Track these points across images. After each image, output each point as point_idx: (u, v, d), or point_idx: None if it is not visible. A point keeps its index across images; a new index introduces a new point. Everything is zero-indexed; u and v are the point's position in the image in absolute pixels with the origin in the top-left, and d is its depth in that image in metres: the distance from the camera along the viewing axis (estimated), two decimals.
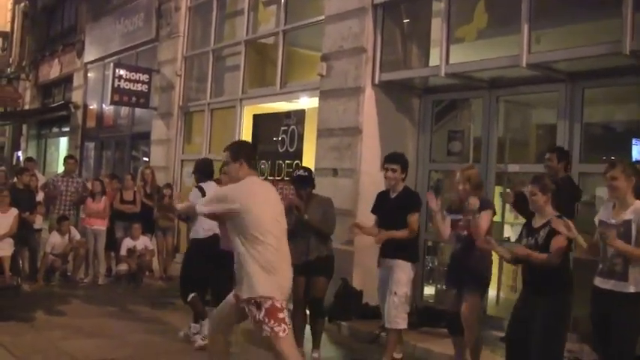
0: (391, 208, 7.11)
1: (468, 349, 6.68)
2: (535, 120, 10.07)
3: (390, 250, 7.05)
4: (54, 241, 11.60)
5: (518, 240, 6.05)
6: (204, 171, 8.22)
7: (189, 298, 7.75)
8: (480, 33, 8.97)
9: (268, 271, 5.04)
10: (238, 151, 5.44)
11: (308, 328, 7.50)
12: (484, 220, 6.46)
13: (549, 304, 5.61)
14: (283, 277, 5.18)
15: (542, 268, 5.61)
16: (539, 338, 5.57)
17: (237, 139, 12.59)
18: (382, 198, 7.34)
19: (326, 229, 7.29)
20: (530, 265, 5.78)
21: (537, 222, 5.82)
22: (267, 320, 4.99)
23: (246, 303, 5.08)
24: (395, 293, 6.91)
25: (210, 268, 7.60)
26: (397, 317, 6.93)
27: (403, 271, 6.96)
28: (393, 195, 7.16)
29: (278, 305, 5.05)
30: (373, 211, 7.43)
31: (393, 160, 7.17)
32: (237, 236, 5.13)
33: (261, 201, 5.20)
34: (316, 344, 7.39)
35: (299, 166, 7.67)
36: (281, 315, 5.05)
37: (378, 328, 8.43)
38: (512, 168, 8.93)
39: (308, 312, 7.46)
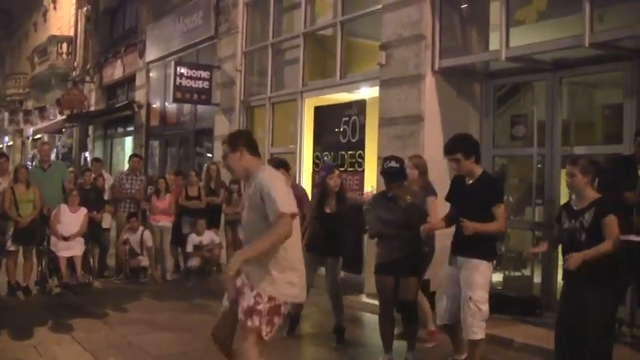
0: (468, 196, 6.31)
1: None
2: (600, 100, 9.86)
3: (464, 247, 6.23)
4: (126, 237, 11.86)
5: (558, 223, 5.90)
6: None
7: None
8: (540, 14, 8.81)
9: (285, 269, 4.77)
10: (235, 140, 5.02)
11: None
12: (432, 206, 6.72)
13: (601, 295, 5.46)
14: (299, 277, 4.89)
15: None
16: (596, 334, 5.46)
17: (299, 131, 12.68)
18: (457, 184, 6.51)
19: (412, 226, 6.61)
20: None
21: (577, 204, 5.67)
22: (263, 314, 4.69)
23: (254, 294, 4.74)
24: (470, 298, 6.10)
25: None
26: (473, 326, 6.11)
27: (479, 272, 6.12)
28: (469, 181, 6.35)
29: (282, 309, 4.83)
30: (447, 198, 6.67)
31: (449, 150, 6.39)
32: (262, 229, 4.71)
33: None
34: (410, 346, 6.90)
35: (389, 157, 7.01)
36: (277, 319, 4.79)
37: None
38: (579, 150, 8.74)
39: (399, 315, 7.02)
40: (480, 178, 6.30)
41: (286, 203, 4.59)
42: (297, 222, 4.78)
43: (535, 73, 9.34)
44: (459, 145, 6.34)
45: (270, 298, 4.70)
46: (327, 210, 7.93)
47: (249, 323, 4.68)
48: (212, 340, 5.10)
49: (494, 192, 6.28)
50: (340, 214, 7.94)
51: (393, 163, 6.85)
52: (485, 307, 6.15)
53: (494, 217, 6.12)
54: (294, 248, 4.82)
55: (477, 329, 6.12)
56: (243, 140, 5.02)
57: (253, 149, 5.01)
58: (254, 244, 4.64)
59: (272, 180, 4.78)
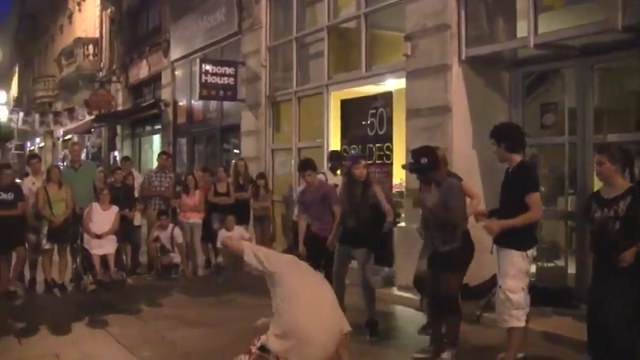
0: (506, 185, 6.44)
1: None
2: (633, 86, 9.70)
3: (499, 236, 6.25)
4: (156, 235, 11.94)
5: (586, 214, 5.83)
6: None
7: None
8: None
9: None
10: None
11: None
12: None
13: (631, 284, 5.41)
14: None
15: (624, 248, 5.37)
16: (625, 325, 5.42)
17: (325, 125, 12.66)
18: (505, 174, 6.57)
19: (449, 218, 6.63)
20: (608, 247, 5.53)
21: (607, 193, 5.60)
22: None
23: None
24: (500, 287, 6.23)
25: None
26: (503, 314, 6.22)
27: (510, 262, 6.19)
28: (510, 170, 6.46)
29: None
30: None
31: (491, 135, 6.57)
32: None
33: None
34: (448, 343, 6.80)
35: (413, 152, 7.05)
36: None
37: (478, 308, 8.36)
38: (611, 138, 8.60)
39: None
40: (516, 167, 6.33)
41: None
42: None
43: (564, 60, 9.20)
44: (494, 132, 6.53)
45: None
46: (355, 200, 7.91)
47: None
48: None
49: (528, 180, 6.26)
50: (366, 205, 7.90)
51: (411, 160, 6.98)
52: (516, 297, 6.15)
53: (528, 207, 6.10)
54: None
55: (507, 317, 6.17)
56: None
57: None
58: None
59: None
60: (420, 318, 8.17)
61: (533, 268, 9.59)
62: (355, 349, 7.44)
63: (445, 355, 6.69)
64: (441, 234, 6.67)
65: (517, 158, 6.36)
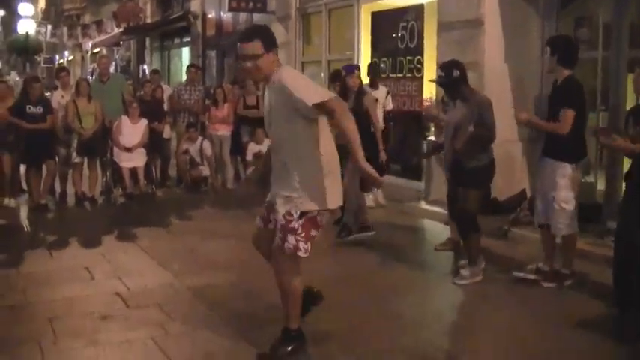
0: (550, 97, 6.48)
1: None
2: None
3: (547, 148, 6.43)
4: (185, 148, 12.00)
5: (625, 129, 5.75)
6: None
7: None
8: None
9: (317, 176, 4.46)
10: (270, 39, 4.54)
11: None
12: None
13: None
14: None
15: None
16: None
17: (356, 38, 12.50)
18: (552, 86, 6.56)
19: (483, 133, 6.55)
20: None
21: None
22: (298, 231, 4.44)
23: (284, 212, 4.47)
24: (553, 199, 6.33)
25: None
26: (559, 223, 6.38)
27: (559, 174, 6.28)
28: (557, 82, 6.43)
29: (318, 219, 4.53)
30: None
31: (546, 42, 6.69)
32: (301, 134, 4.42)
33: None
34: (469, 260, 6.73)
35: (443, 65, 6.91)
36: (314, 232, 4.53)
37: (506, 223, 8.37)
38: None
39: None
40: (564, 80, 6.34)
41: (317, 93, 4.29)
42: (324, 121, 4.50)
43: None
44: (550, 41, 6.64)
45: (303, 213, 4.42)
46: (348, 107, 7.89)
47: (285, 245, 4.43)
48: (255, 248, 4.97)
49: (566, 95, 6.27)
50: (357, 113, 7.85)
51: (439, 72, 6.88)
52: (569, 206, 6.35)
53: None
54: (325, 149, 4.49)
55: (562, 226, 6.39)
56: (273, 38, 4.58)
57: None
58: (353, 139, 4.20)
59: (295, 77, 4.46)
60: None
61: None
62: (369, 259, 7.55)
63: (465, 271, 6.70)
64: (470, 149, 6.58)
65: (566, 72, 6.34)
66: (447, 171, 7.21)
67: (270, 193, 4.71)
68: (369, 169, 4.23)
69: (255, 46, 4.44)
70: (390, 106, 10.81)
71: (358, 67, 9.34)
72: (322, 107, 4.22)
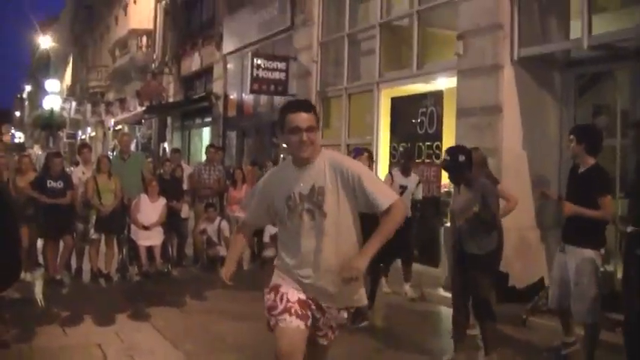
0: (577, 185, 6.52)
1: None
2: None
3: (572, 235, 6.45)
4: (203, 227, 12.01)
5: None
6: None
7: None
8: (624, 1, 8.54)
9: None
10: (316, 114, 4.17)
11: None
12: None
13: None
14: None
15: None
16: None
17: (375, 122, 12.63)
18: (571, 172, 6.71)
19: (488, 218, 6.45)
20: None
21: None
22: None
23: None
24: (577, 284, 6.35)
25: None
26: (580, 310, 6.37)
27: (586, 260, 6.32)
28: (581, 170, 6.51)
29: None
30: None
31: (571, 131, 6.79)
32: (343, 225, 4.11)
33: None
34: (485, 350, 6.57)
35: (449, 150, 6.97)
36: None
37: (525, 312, 8.25)
38: None
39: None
40: (590, 168, 6.42)
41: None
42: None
43: (618, 62, 9.04)
44: (576, 130, 6.76)
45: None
46: None
47: (331, 336, 4.37)
48: None
49: (601, 182, 6.40)
50: None
51: (445, 156, 6.85)
52: (592, 293, 6.32)
53: (599, 208, 6.27)
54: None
55: (585, 313, 6.35)
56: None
57: None
58: (380, 239, 3.99)
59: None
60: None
61: None
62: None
63: None
64: (476, 236, 6.51)
65: (591, 161, 6.46)
66: (450, 257, 7.13)
67: (315, 285, 4.21)
68: (362, 267, 3.95)
69: (314, 119, 4.06)
70: (419, 195, 10.15)
71: (368, 151, 9.43)
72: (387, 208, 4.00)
